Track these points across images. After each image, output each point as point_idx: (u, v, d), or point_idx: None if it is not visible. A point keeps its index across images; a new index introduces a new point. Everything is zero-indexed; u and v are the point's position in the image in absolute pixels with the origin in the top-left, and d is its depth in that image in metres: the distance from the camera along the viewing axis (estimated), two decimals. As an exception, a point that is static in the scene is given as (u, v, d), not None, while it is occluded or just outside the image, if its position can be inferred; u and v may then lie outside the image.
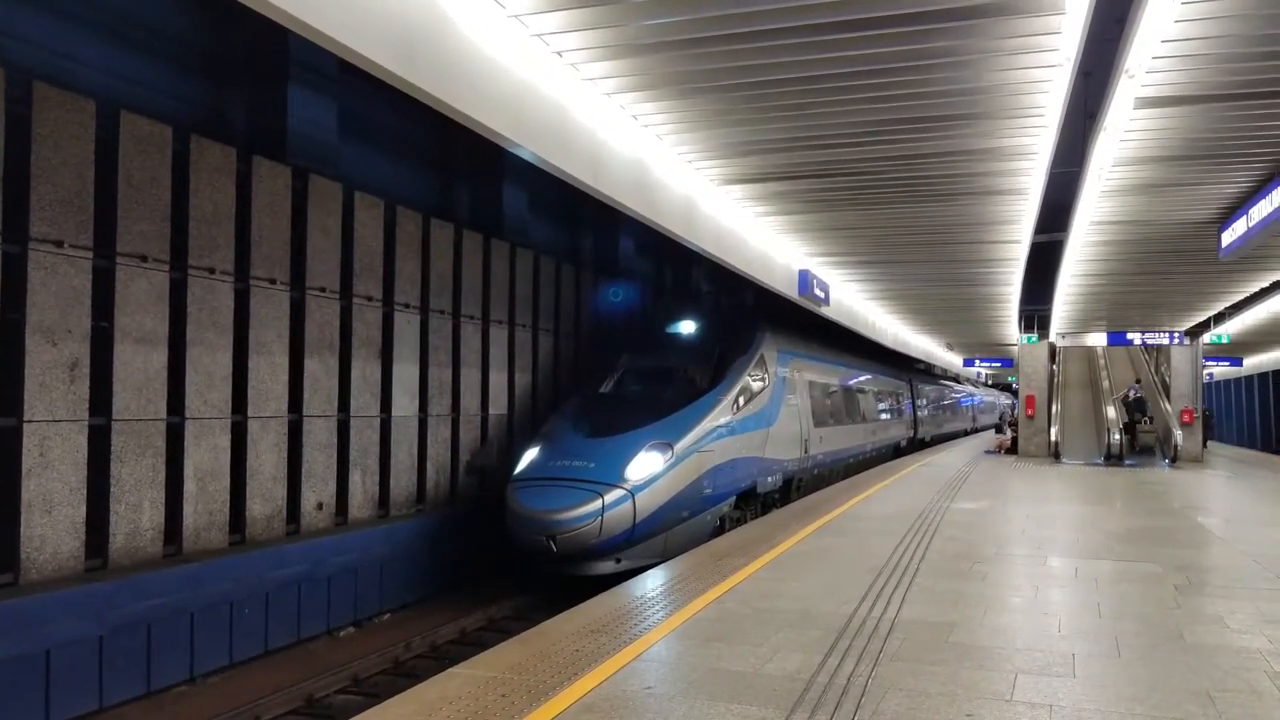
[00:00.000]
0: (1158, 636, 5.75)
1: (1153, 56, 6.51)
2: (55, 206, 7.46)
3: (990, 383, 59.27)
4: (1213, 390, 49.84)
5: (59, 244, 7.48)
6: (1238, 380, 48.04)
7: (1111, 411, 22.92)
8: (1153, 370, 27.12)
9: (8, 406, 7.22)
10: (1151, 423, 24.15)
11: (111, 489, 7.97)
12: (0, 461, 7.17)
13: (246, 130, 10.38)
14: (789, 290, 14.21)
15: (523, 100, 6.48)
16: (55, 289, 7.48)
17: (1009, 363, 36.07)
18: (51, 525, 7.46)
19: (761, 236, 12.61)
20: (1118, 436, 21.03)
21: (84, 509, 7.72)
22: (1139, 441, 23.40)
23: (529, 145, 6.63)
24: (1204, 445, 26.02)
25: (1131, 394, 24.55)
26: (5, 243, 7.14)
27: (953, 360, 38.96)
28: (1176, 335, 22.69)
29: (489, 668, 5.03)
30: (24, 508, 7.25)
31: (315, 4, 4.54)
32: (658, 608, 6.42)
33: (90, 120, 7.75)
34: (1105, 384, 25.91)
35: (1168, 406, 23.45)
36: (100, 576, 7.68)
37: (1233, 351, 32.33)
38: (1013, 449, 24.41)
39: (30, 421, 7.29)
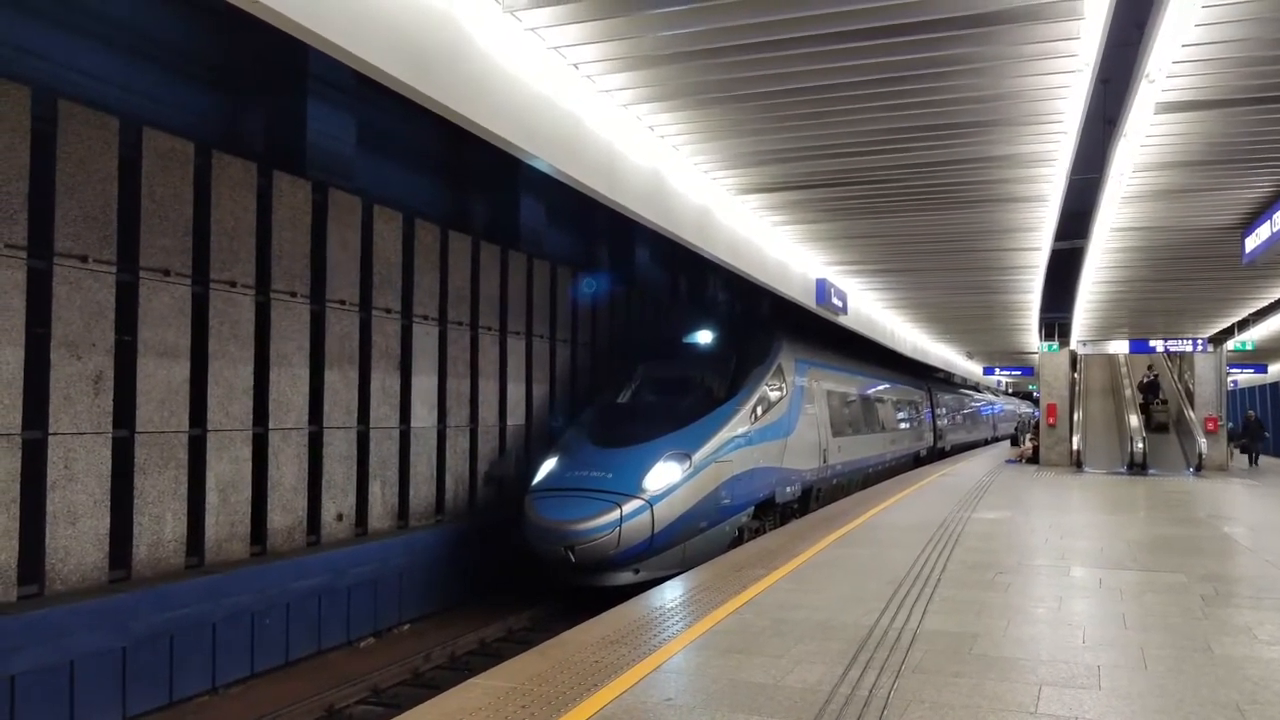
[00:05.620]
0: (1185, 648, 5.68)
1: (1173, 61, 6.46)
2: (79, 222, 7.56)
3: (1010, 391, 58.83)
4: (1237, 398, 49.19)
5: (83, 259, 7.57)
6: (1262, 387, 47.43)
7: (1134, 420, 22.75)
8: (1175, 377, 26.91)
9: (33, 419, 7.29)
10: (1165, 405, 24.75)
11: (135, 501, 8.03)
12: (26, 474, 7.24)
13: (266, 145, 10.49)
14: (806, 299, 14.17)
15: (539, 112, 6.51)
16: (80, 303, 7.57)
17: (1029, 370, 35.79)
18: (76, 537, 7.53)
19: (778, 245, 12.60)
20: (1140, 445, 20.85)
21: (108, 520, 7.78)
22: (1154, 420, 24.17)
23: (545, 156, 6.66)
24: (1254, 460, 25.62)
25: (1144, 379, 25.17)
26: (31, 258, 7.23)
27: (973, 369, 38.72)
28: (1200, 342, 22.45)
29: (509, 678, 5.03)
30: (49, 519, 7.32)
31: (325, 15, 4.58)
32: (677, 619, 6.40)
33: (113, 137, 7.84)
34: (1127, 392, 25.71)
35: (1191, 414, 23.22)
36: (123, 588, 7.74)
37: (1257, 359, 31.93)
38: (1034, 458, 24.22)
39: (55, 434, 7.37)
